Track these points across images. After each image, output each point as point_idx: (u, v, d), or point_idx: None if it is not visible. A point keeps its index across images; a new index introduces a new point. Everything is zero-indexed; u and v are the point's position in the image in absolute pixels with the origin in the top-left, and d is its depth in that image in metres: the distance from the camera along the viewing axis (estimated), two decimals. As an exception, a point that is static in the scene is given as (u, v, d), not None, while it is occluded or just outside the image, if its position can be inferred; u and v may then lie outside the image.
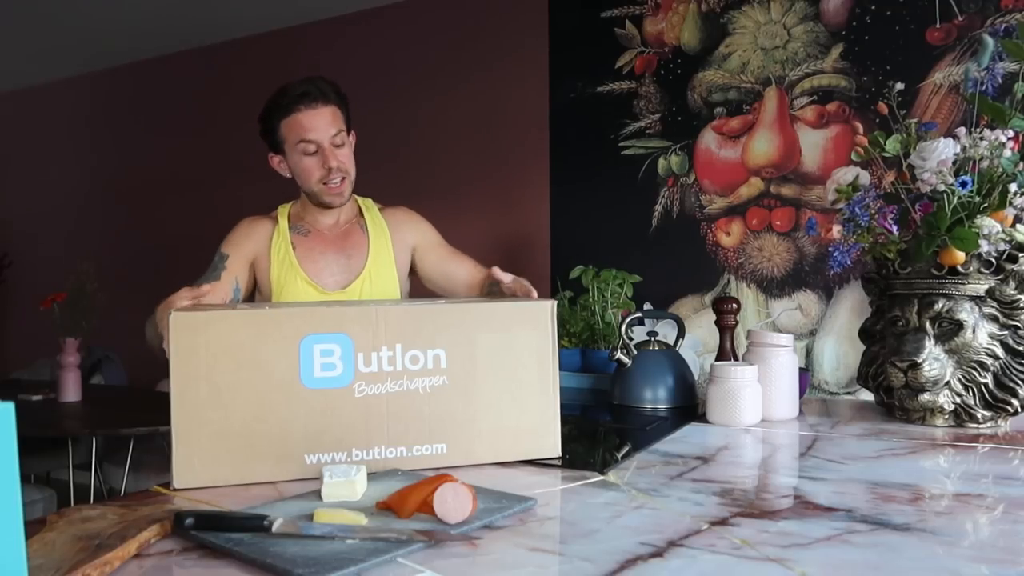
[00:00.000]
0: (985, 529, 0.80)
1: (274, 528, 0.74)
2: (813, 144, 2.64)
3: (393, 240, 1.62)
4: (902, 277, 1.34)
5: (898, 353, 1.29)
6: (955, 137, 1.29)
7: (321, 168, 1.49)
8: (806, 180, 2.65)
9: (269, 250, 1.54)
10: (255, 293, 1.58)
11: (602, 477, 1.01)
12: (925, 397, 1.28)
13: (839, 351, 2.60)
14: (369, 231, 1.60)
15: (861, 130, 2.54)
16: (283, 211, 1.60)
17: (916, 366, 1.26)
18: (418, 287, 1.70)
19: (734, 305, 1.60)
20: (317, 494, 0.88)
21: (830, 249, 1.38)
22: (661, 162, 2.92)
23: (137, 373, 3.80)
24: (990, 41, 1.37)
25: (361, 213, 1.64)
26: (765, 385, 1.37)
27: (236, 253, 1.52)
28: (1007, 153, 1.23)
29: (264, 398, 0.98)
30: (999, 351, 1.27)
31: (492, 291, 1.37)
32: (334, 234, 1.59)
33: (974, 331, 1.27)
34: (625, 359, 1.56)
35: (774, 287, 2.72)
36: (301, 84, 1.49)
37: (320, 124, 1.48)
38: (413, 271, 1.67)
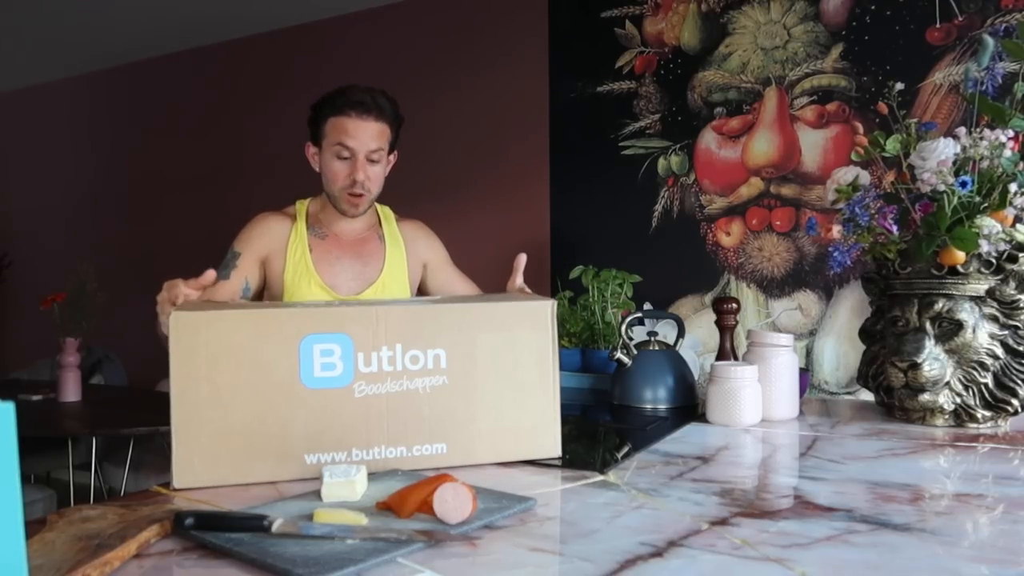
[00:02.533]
0: (985, 529, 0.80)
1: (274, 528, 0.74)
2: (813, 144, 2.64)
3: (407, 253, 1.62)
4: (902, 277, 1.34)
5: (898, 353, 1.29)
6: (955, 137, 1.29)
7: (347, 177, 1.49)
8: (806, 180, 2.65)
9: (285, 249, 1.52)
10: (264, 292, 1.56)
11: (602, 477, 1.01)
12: (925, 397, 1.28)
13: (839, 351, 2.60)
14: (386, 241, 1.60)
15: (861, 130, 2.54)
16: (301, 208, 1.58)
17: (916, 366, 1.26)
18: None
19: (734, 305, 1.60)
20: (317, 494, 0.88)
21: (830, 249, 1.38)
22: (661, 162, 2.92)
23: (137, 373, 3.80)
24: (990, 41, 1.37)
25: (380, 222, 1.64)
26: (765, 385, 1.37)
27: (248, 251, 1.50)
28: (1007, 153, 1.23)
29: (264, 398, 0.98)
30: (999, 351, 1.27)
31: None
32: (351, 240, 1.58)
33: (974, 331, 1.27)
34: (625, 359, 1.56)
35: (774, 287, 2.72)
36: (362, 92, 1.49)
37: (363, 136, 1.48)
38: (419, 286, 1.68)
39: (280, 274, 1.51)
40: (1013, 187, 1.24)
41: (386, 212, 1.66)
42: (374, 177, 1.52)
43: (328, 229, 1.57)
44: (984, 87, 1.32)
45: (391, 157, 1.60)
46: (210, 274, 1.11)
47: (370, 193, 1.52)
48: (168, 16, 3.73)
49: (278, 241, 1.52)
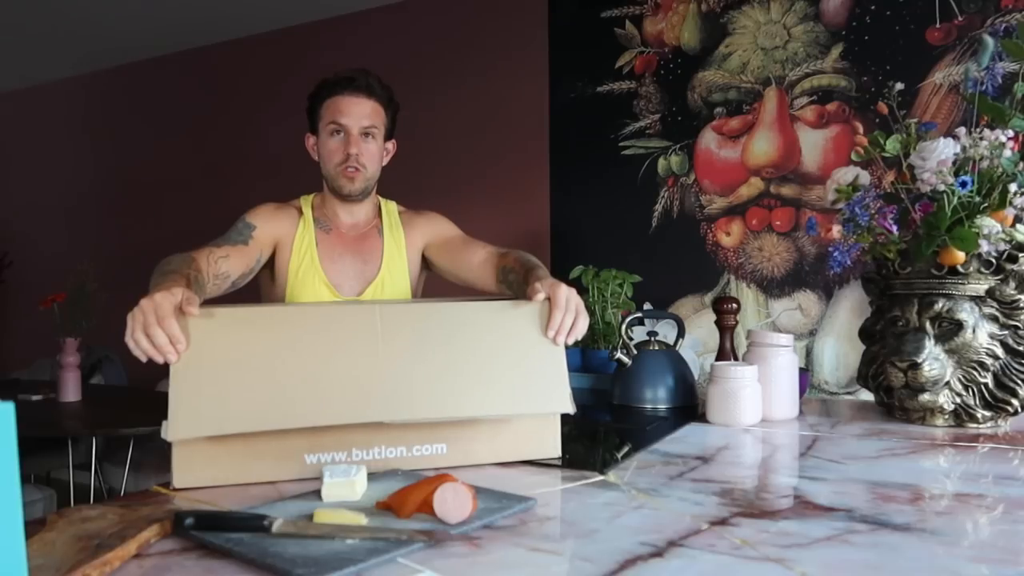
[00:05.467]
0: (985, 529, 0.80)
1: (274, 528, 0.74)
2: (813, 144, 2.64)
3: (407, 243, 1.61)
4: (902, 277, 1.34)
5: (898, 353, 1.29)
6: (955, 137, 1.29)
7: (342, 152, 1.49)
8: (806, 180, 2.65)
9: (293, 239, 1.51)
10: (268, 278, 1.55)
11: (602, 477, 1.01)
12: (925, 397, 1.28)
13: (839, 351, 2.60)
14: (384, 235, 1.59)
15: (861, 130, 2.54)
16: (306, 201, 1.58)
17: (916, 366, 1.26)
18: (436, 284, 1.69)
19: (734, 305, 1.60)
20: (317, 494, 0.88)
21: (830, 249, 1.38)
22: (661, 162, 2.92)
23: (137, 373, 3.80)
24: (990, 41, 1.37)
25: (380, 217, 1.62)
26: (765, 385, 1.37)
27: (264, 229, 1.48)
28: (1007, 153, 1.23)
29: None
30: (999, 351, 1.27)
31: (509, 279, 1.36)
32: (352, 236, 1.57)
33: (974, 331, 1.27)
34: (625, 359, 1.56)
35: (774, 287, 2.72)
36: (352, 71, 1.51)
37: (355, 111, 1.49)
38: (429, 268, 1.66)
39: (285, 265, 1.51)
40: (1013, 187, 1.24)
41: (389, 207, 1.65)
42: (368, 154, 1.51)
43: (331, 222, 1.56)
44: (984, 87, 1.32)
45: (389, 145, 1.59)
46: (192, 310, 1.00)
47: (365, 169, 1.51)
48: (168, 16, 3.73)
49: (287, 230, 1.52)
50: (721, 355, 1.59)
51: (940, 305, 1.28)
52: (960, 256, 1.26)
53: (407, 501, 0.81)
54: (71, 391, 2.80)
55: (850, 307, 2.58)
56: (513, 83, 3.25)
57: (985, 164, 1.25)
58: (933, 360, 1.27)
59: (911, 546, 0.73)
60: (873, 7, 2.55)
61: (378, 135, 1.53)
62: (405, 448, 1.04)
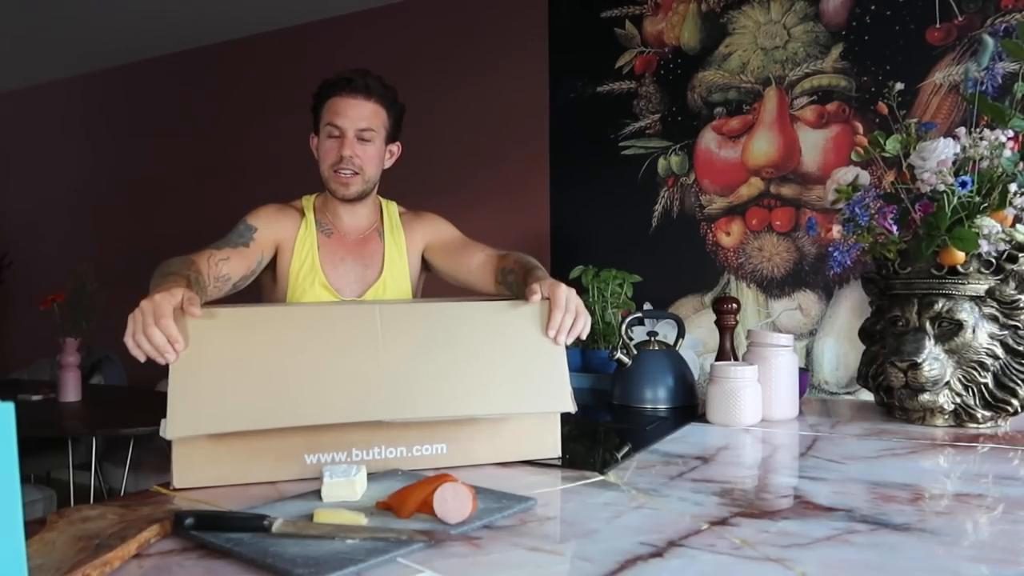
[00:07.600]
0: (985, 529, 0.80)
1: (274, 528, 0.74)
2: (813, 144, 2.64)
3: (408, 244, 1.60)
4: (902, 277, 1.34)
5: (898, 353, 1.29)
6: (955, 137, 1.29)
7: (336, 154, 1.48)
8: (806, 180, 2.65)
9: (294, 241, 1.51)
10: (270, 280, 1.54)
11: (602, 477, 1.01)
12: (925, 397, 1.28)
13: (839, 351, 2.60)
14: (385, 238, 1.58)
15: (861, 130, 2.54)
16: (308, 203, 1.57)
17: (916, 366, 1.26)
18: (435, 285, 1.69)
19: (734, 305, 1.60)
20: (317, 494, 0.88)
21: (830, 249, 1.38)
22: (661, 162, 2.92)
23: (137, 373, 3.80)
24: (990, 41, 1.37)
25: (382, 218, 1.62)
26: (765, 385, 1.37)
27: (265, 230, 1.47)
28: (1007, 153, 1.23)
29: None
30: (999, 351, 1.27)
31: (508, 280, 1.36)
32: (353, 239, 1.56)
33: (974, 331, 1.27)
34: (625, 359, 1.56)
35: (774, 287, 2.72)
36: (352, 72, 1.49)
37: (352, 113, 1.47)
38: (428, 269, 1.65)
39: (287, 267, 1.50)
40: (1013, 187, 1.24)
41: (390, 208, 1.64)
42: (364, 156, 1.49)
43: (332, 224, 1.56)
44: (984, 87, 1.32)
45: (393, 148, 1.57)
46: (194, 312, 1.01)
47: (362, 172, 1.49)
48: (168, 16, 3.73)
49: (289, 232, 1.51)
50: (721, 355, 1.59)
51: (940, 305, 1.28)
52: (960, 256, 1.26)
53: (407, 501, 0.81)
54: (71, 391, 2.80)
55: (850, 307, 2.59)
56: (513, 83, 3.25)
57: (985, 164, 1.25)
58: (933, 360, 1.27)
59: (911, 546, 0.73)
60: (873, 7, 2.55)
61: (376, 138, 1.50)
62: (405, 448, 1.04)
